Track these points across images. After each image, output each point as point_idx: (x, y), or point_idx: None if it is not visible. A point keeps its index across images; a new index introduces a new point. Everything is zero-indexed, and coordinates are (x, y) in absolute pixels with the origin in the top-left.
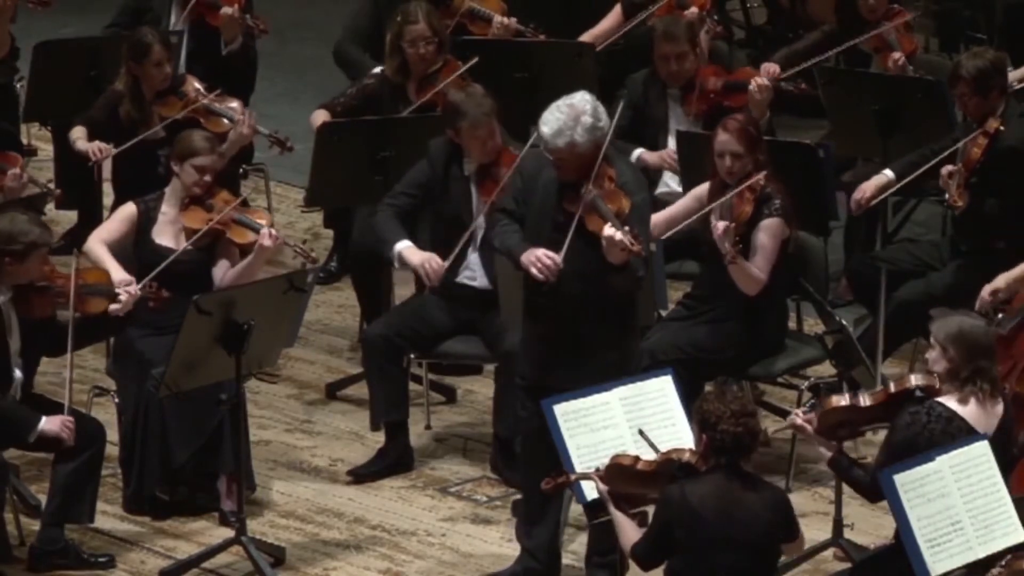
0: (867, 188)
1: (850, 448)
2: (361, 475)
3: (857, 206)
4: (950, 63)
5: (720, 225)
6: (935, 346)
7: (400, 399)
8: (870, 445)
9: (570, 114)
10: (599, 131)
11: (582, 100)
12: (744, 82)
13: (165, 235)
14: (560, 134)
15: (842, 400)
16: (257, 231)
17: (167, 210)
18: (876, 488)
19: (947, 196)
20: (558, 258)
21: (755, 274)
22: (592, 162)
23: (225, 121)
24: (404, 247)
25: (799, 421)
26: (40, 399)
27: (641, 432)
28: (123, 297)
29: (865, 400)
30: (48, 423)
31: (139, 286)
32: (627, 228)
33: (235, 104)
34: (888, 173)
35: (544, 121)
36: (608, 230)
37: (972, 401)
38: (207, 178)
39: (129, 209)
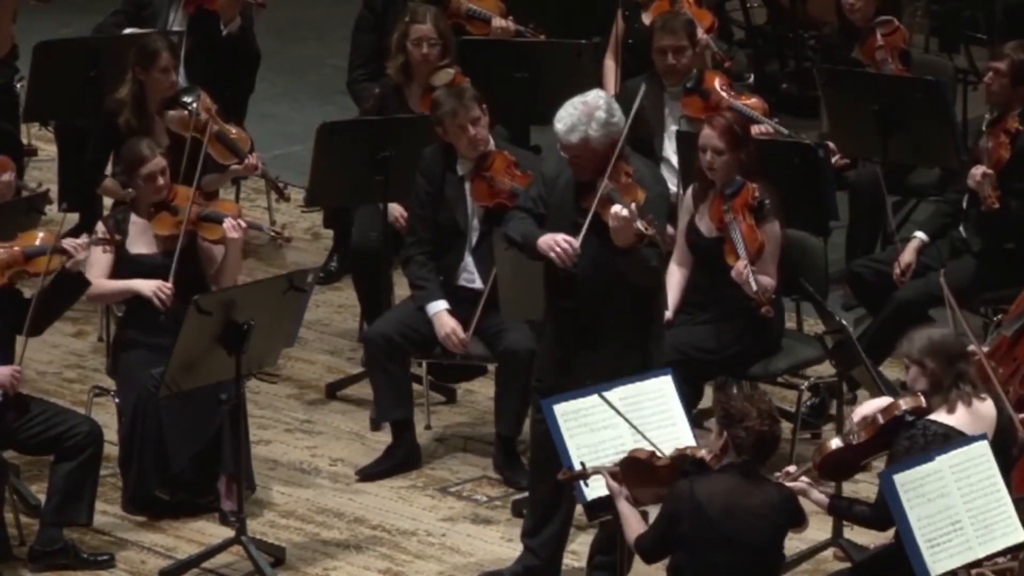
0: (905, 258)
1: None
2: (370, 474)
3: (900, 282)
4: (950, 63)
5: (740, 267)
6: (911, 365)
7: (404, 397)
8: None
9: (584, 110)
10: (613, 126)
11: (596, 96)
12: (751, 114)
13: (139, 244)
14: (574, 130)
15: (837, 443)
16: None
17: (136, 220)
18: (881, 518)
19: (984, 198)
20: (576, 243)
21: (771, 285)
22: (606, 159)
23: (228, 152)
24: (437, 311)
25: (787, 482)
26: (28, 398)
27: (612, 405)
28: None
29: (857, 438)
30: None
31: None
32: (641, 215)
33: (243, 135)
34: (920, 235)
35: (558, 118)
36: (615, 207)
37: (960, 407)
38: (160, 182)
39: (99, 230)
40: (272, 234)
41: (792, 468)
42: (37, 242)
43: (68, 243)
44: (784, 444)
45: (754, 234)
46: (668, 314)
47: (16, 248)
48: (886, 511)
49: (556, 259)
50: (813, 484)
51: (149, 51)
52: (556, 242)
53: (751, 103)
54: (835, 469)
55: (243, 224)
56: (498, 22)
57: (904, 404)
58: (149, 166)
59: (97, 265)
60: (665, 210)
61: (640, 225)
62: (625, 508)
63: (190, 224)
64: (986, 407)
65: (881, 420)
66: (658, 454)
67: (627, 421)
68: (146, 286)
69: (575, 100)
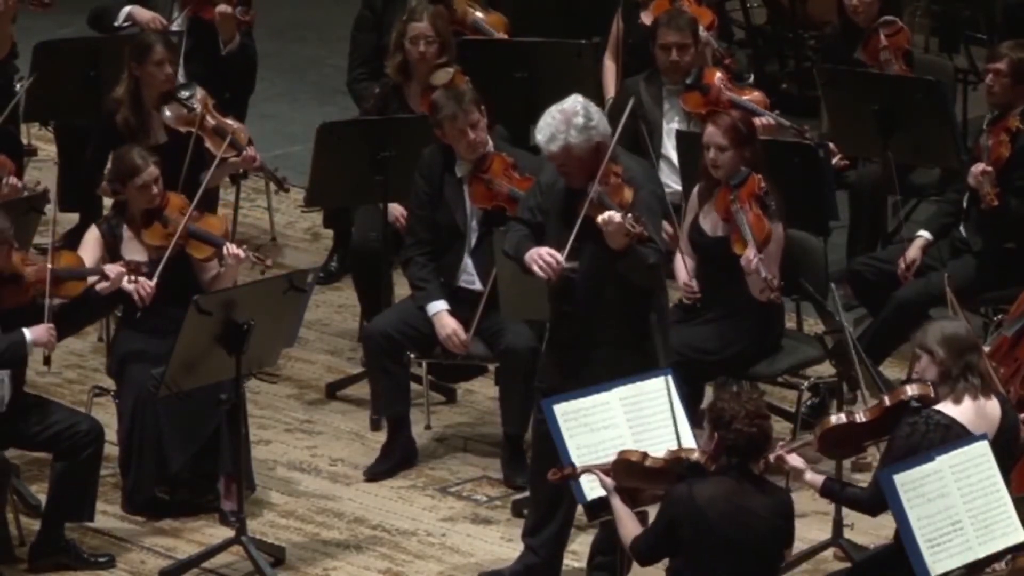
0: (911, 255)
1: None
2: (376, 473)
3: (904, 278)
4: (950, 63)
5: (749, 255)
6: (921, 355)
7: (402, 394)
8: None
9: (561, 118)
10: (593, 130)
11: (573, 102)
12: (752, 108)
13: (133, 251)
14: (554, 139)
15: (839, 419)
16: (214, 244)
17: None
18: (874, 501)
19: (983, 195)
20: (560, 256)
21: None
22: (594, 163)
23: (227, 142)
24: (437, 311)
25: (785, 456)
26: (29, 396)
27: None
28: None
29: (862, 416)
30: (35, 333)
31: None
32: (628, 214)
33: (240, 128)
34: (925, 234)
35: (538, 129)
36: (606, 213)
37: (966, 399)
38: (154, 190)
39: (94, 233)
40: (254, 260)
41: (792, 442)
42: (66, 264)
43: (109, 270)
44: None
45: (761, 223)
46: (684, 278)
47: (43, 267)
48: (879, 495)
49: (540, 273)
50: (807, 465)
51: (143, 46)
52: (540, 255)
53: (751, 97)
54: (835, 445)
55: (241, 255)
56: (500, 38)
57: (911, 390)
58: (143, 176)
59: (90, 252)
60: (658, 207)
61: (627, 224)
62: (619, 507)
63: (180, 239)
64: (991, 406)
65: (887, 403)
66: (650, 455)
67: (676, 428)
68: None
69: (552, 109)
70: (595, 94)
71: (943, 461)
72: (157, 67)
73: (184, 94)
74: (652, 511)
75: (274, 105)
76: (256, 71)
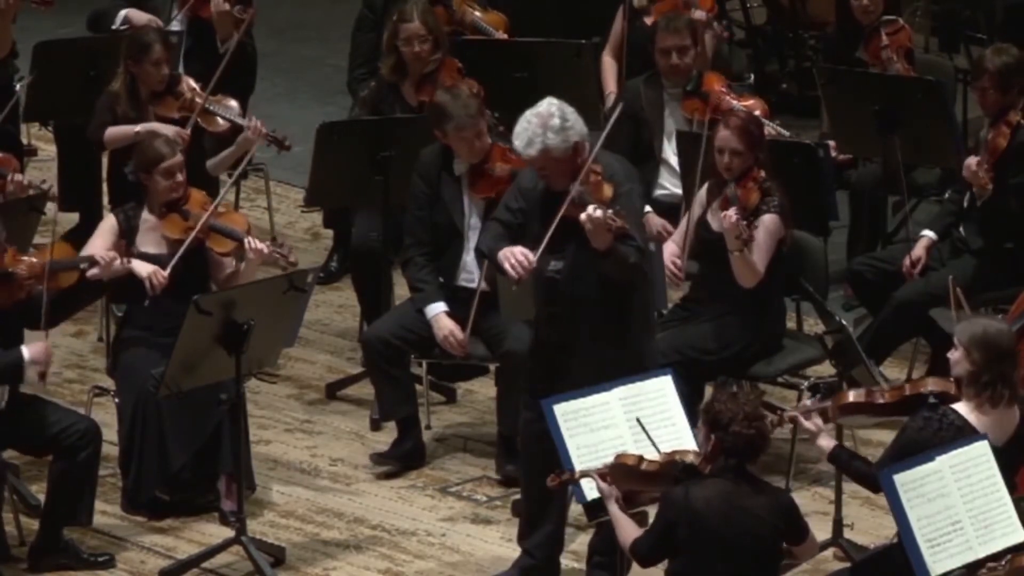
0: (917, 253)
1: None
2: (382, 458)
3: (910, 275)
4: (950, 63)
5: (728, 213)
6: (958, 347)
7: (408, 396)
8: (868, 445)
9: (537, 122)
10: (570, 131)
11: (548, 105)
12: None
13: (149, 243)
14: (531, 143)
15: (858, 396)
16: (235, 239)
17: (147, 217)
18: (878, 479)
19: (977, 184)
20: (532, 256)
21: (755, 266)
22: (573, 164)
23: (220, 120)
24: (436, 313)
25: (800, 418)
26: (25, 397)
27: (639, 421)
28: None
29: (882, 397)
30: (32, 352)
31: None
32: (608, 209)
33: (233, 104)
34: (929, 233)
35: (515, 135)
36: (587, 210)
37: (987, 407)
38: (179, 177)
39: (110, 221)
40: (277, 255)
41: (808, 402)
42: (60, 256)
43: (99, 256)
44: (784, 444)
45: (749, 194)
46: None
47: (37, 262)
48: None
49: (510, 271)
50: (822, 429)
51: (142, 44)
52: (512, 254)
53: (750, 105)
54: (850, 414)
55: (264, 249)
56: (500, 37)
57: (932, 384)
58: (169, 162)
59: (103, 239)
60: (639, 203)
61: (607, 219)
62: (616, 512)
63: (200, 233)
64: (1010, 417)
65: (908, 391)
66: (646, 458)
67: (648, 437)
68: (143, 268)
69: (527, 114)
70: (595, 94)
71: (943, 461)
72: (154, 67)
73: (175, 87)
74: (651, 511)
75: (274, 105)
76: (256, 71)
